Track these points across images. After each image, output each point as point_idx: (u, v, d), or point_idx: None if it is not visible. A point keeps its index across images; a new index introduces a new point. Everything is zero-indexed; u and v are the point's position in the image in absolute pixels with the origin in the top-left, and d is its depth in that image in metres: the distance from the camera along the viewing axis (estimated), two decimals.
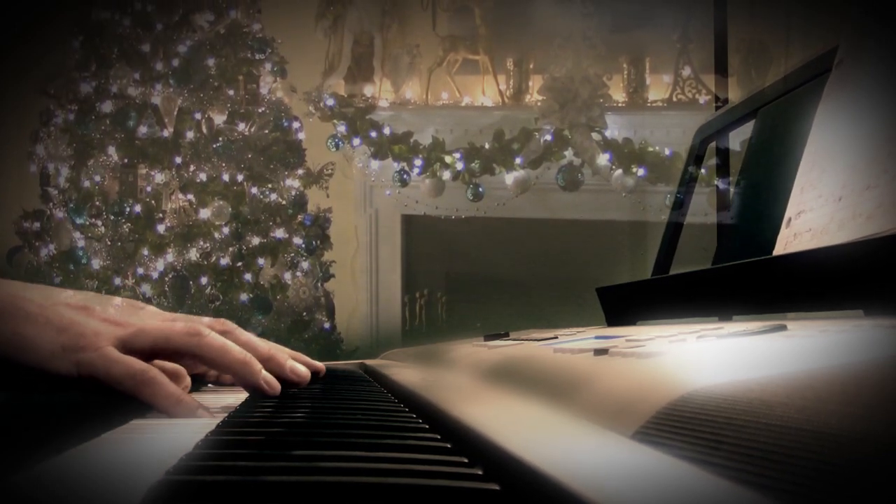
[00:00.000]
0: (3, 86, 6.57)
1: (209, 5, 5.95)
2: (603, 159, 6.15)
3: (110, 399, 0.93)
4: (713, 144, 1.85)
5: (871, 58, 0.85)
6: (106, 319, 0.97)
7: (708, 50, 2.90)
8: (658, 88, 6.38)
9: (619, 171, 6.14)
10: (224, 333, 1.03)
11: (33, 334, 0.91)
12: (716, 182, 2.04)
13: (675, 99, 6.29)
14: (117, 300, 1.03)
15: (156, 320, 1.02)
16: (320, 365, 1.16)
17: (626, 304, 1.19)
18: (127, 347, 0.95)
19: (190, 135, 5.85)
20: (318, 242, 6.15)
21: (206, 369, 1.08)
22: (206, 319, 1.06)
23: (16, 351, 0.91)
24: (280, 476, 0.51)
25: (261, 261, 5.98)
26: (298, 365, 1.07)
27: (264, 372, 1.02)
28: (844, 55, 0.91)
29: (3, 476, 0.53)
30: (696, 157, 1.79)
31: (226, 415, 0.83)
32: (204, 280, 5.79)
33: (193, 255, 5.82)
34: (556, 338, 0.97)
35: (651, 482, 0.38)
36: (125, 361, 0.93)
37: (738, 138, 1.84)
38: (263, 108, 6.05)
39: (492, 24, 6.59)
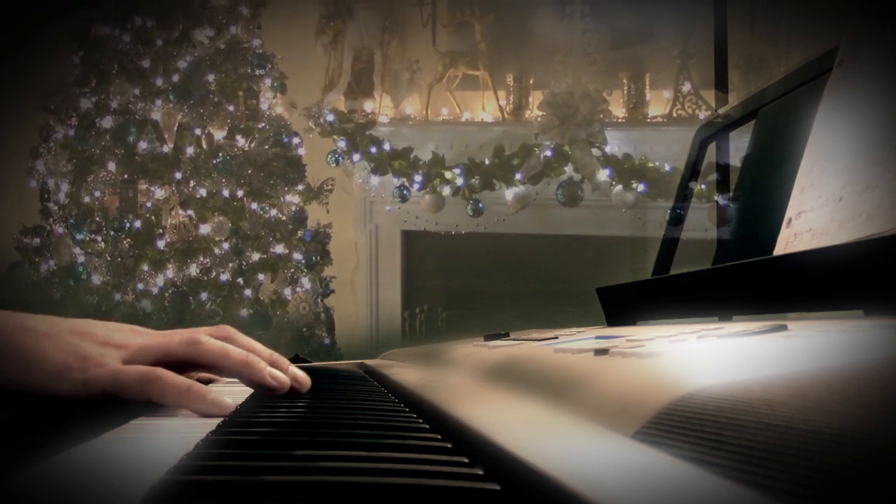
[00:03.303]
0: (3, 101, 6.58)
1: (209, 21, 5.96)
2: (603, 175, 6.16)
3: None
4: (713, 145, 1.85)
5: (871, 58, 0.85)
6: (107, 343, 0.99)
7: (708, 65, 2.90)
8: (658, 104, 6.39)
9: (619, 187, 6.15)
10: (225, 339, 1.06)
11: (39, 356, 0.93)
12: (716, 191, 2.04)
13: (675, 114, 6.29)
14: (116, 325, 1.05)
15: (155, 338, 1.04)
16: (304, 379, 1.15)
17: (626, 304, 1.19)
18: (129, 364, 0.97)
19: (190, 150, 5.85)
20: (318, 258, 6.16)
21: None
22: (206, 329, 1.07)
23: (23, 372, 0.92)
24: (280, 476, 0.51)
25: (261, 276, 5.98)
26: (278, 373, 1.07)
27: (269, 368, 1.04)
28: (845, 55, 0.91)
29: (3, 476, 0.53)
30: (696, 157, 1.79)
31: (226, 415, 0.83)
32: (204, 296, 5.79)
33: (193, 270, 5.83)
34: (556, 338, 0.97)
35: (651, 482, 0.38)
36: (130, 368, 0.95)
37: (737, 154, 1.84)
38: (263, 124, 6.06)
39: (492, 40, 6.60)
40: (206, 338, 1.03)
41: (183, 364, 1.01)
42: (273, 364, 1.07)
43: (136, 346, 1.00)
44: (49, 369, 0.93)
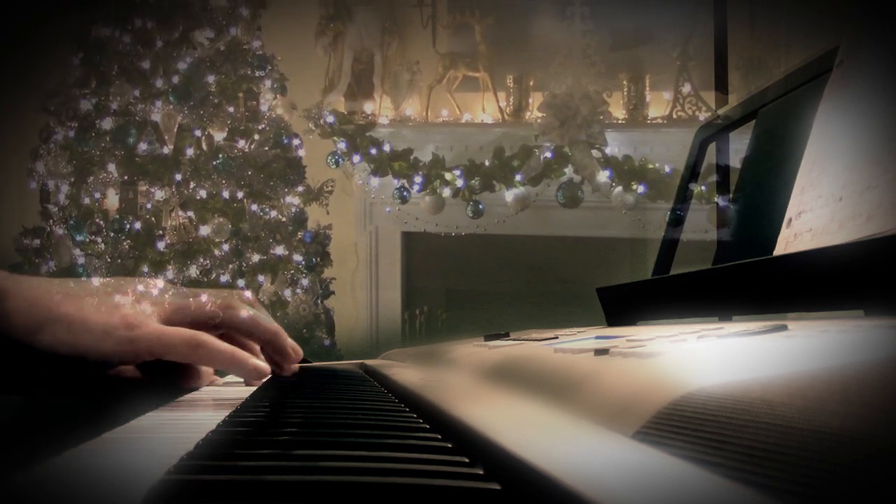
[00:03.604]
0: (3, 102, 6.58)
1: (209, 22, 5.96)
2: (603, 176, 6.16)
3: (114, 398, 0.97)
4: (713, 146, 1.85)
5: (871, 58, 0.85)
6: (144, 301, 1.04)
7: (708, 67, 2.91)
8: (658, 105, 6.39)
9: (619, 188, 6.15)
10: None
11: (82, 319, 0.97)
12: (716, 192, 2.04)
13: (675, 116, 6.29)
14: (150, 281, 1.10)
15: (191, 300, 1.10)
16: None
17: (626, 304, 1.19)
18: (169, 324, 1.03)
19: (190, 152, 5.86)
20: (318, 259, 6.16)
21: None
22: (225, 292, 1.14)
23: (69, 334, 0.96)
24: (281, 475, 0.51)
25: (261, 278, 5.98)
26: (296, 345, 1.17)
27: (290, 339, 1.13)
28: (845, 55, 0.91)
29: (3, 476, 0.53)
30: (696, 158, 1.79)
31: (227, 413, 0.83)
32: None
33: (193, 272, 5.83)
34: (556, 338, 0.97)
35: (651, 482, 0.38)
36: (176, 330, 1.02)
37: (737, 155, 1.84)
38: (263, 125, 6.06)
39: (492, 41, 6.60)
40: (240, 304, 1.10)
41: (214, 327, 1.06)
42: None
43: (172, 305, 1.05)
44: (94, 329, 0.97)
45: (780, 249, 0.91)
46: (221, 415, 0.81)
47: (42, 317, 0.95)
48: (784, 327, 0.58)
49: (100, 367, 1.01)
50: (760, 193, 1.42)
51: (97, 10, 5.91)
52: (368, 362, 1.68)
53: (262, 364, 1.06)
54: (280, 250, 6.01)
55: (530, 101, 6.60)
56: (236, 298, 1.12)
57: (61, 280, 1.02)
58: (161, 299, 1.06)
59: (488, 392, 0.77)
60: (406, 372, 1.24)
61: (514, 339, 1.12)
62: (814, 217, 0.85)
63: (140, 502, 0.47)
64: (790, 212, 0.92)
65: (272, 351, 1.12)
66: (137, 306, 1.02)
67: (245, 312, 1.10)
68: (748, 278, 0.82)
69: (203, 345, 1.02)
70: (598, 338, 0.82)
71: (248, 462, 0.57)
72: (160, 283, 1.10)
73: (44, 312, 0.96)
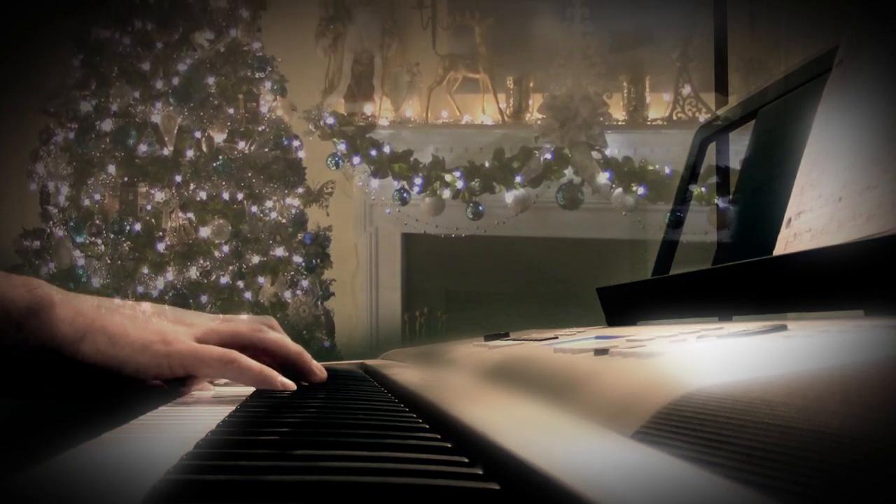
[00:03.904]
0: (2, 104, 6.58)
1: (209, 24, 5.96)
2: (603, 178, 6.15)
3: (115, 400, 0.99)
4: (713, 146, 1.85)
5: (871, 58, 0.85)
6: (179, 321, 1.10)
7: (708, 68, 2.91)
8: (658, 107, 6.38)
9: (619, 190, 6.14)
10: (272, 329, 1.19)
11: (123, 332, 1.02)
12: (716, 193, 2.04)
13: (675, 117, 6.28)
14: (181, 309, 1.16)
15: (210, 321, 1.15)
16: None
17: (626, 304, 1.19)
18: (201, 343, 1.08)
19: (190, 153, 5.85)
20: (318, 261, 6.16)
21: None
22: (257, 318, 1.24)
23: (111, 346, 1.00)
24: (281, 476, 0.51)
25: (261, 279, 5.98)
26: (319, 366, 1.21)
27: (313, 361, 1.17)
28: (844, 55, 0.91)
29: (3, 476, 0.53)
30: (696, 158, 1.79)
31: (227, 413, 0.83)
32: (204, 298, 5.79)
33: (193, 273, 5.82)
34: (556, 338, 0.97)
35: (651, 482, 0.38)
36: (209, 347, 1.07)
37: (737, 156, 1.84)
38: (263, 127, 6.06)
39: (492, 42, 6.59)
40: (267, 328, 1.17)
41: (243, 347, 1.11)
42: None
43: (205, 326, 1.11)
44: (134, 343, 1.02)
45: (779, 249, 0.91)
46: (222, 414, 0.82)
47: (85, 327, 0.99)
48: (784, 327, 0.58)
49: (131, 380, 1.04)
50: (760, 194, 1.42)
51: (97, 12, 5.91)
52: (369, 362, 1.69)
53: (289, 381, 1.09)
54: (280, 252, 6.01)
55: (530, 102, 6.60)
56: (262, 323, 1.19)
57: (92, 297, 1.06)
58: (194, 320, 1.12)
59: (488, 392, 0.77)
60: (406, 372, 1.24)
61: (514, 340, 1.12)
62: (813, 217, 0.85)
63: (140, 502, 0.47)
64: (790, 212, 0.92)
65: (295, 370, 1.16)
66: (171, 324, 1.07)
67: (273, 335, 1.15)
68: (748, 278, 0.82)
69: (235, 361, 1.06)
70: (598, 338, 0.82)
71: (249, 462, 0.57)
72: (189, 311, 1.16)
73: (87, 323, 0.99)
